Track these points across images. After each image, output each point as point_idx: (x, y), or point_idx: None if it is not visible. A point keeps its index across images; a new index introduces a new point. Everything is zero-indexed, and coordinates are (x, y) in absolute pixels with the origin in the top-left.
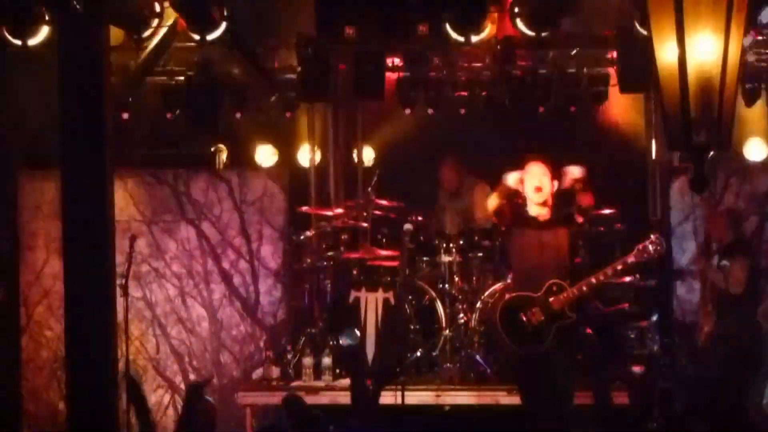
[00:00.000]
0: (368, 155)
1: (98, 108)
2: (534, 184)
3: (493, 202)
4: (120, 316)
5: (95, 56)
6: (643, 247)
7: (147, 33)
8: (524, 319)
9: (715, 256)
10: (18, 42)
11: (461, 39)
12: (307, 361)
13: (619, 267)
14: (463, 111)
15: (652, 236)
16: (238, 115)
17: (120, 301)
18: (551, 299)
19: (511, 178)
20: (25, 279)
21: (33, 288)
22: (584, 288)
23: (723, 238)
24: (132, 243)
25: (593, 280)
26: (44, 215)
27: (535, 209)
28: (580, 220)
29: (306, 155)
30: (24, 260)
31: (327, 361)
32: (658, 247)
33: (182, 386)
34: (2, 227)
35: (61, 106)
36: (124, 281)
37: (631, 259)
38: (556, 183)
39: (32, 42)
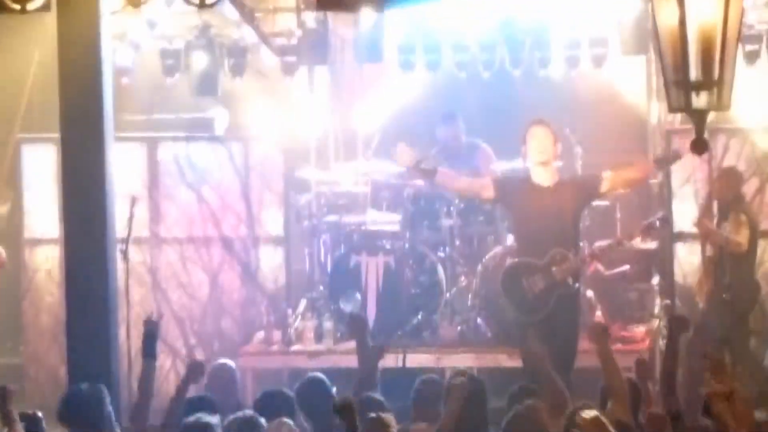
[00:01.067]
0: (368, 119)
1: (97, 73)
2: (537, 147)
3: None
4: (120, 281)
5: (93, 21)
6: (649, 224)
7: None
8: (526, 285)
9: (716, 216)
10: (17, 6)
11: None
12: (308, 325)
13: (625, 241)
14: (463, 74)
15: (660, 214)
16: (237, 80)
17: (120, 266)
18: (554, 268)
19: None
20: (26, 244)
21: (34, 253)
22: (588, 259)
23: (724, 197)
24: (132, 208)
25: (597, 252)
26: (44, 180)
27: (538, 171)
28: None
29: (306, 119)
30: (25, 225)
31: (328, 325)
32: (665, 227)
33: (183, 351)
34: (2, 192)
35: (60, 70)
36: (124, 246)
37: (637, 235)
38: (560, 146)
39: (31, 6)
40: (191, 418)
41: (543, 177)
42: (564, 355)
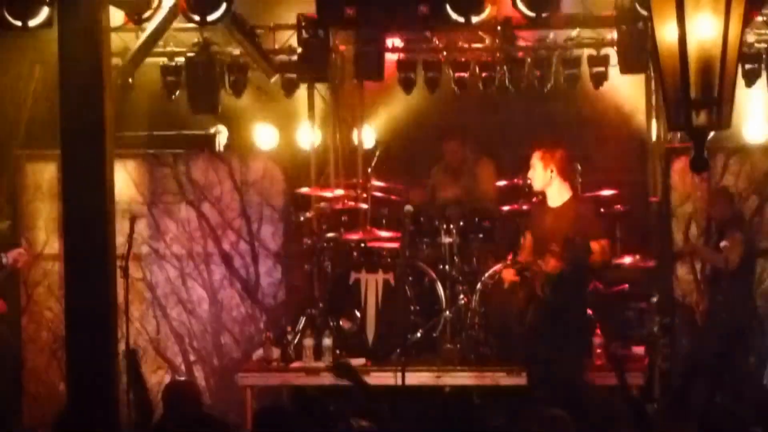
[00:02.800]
0: (368, 136)
1: (98, 89)
2: (531, 175)
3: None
4: (120, 298)
5: (95, 37)
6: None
7: (147, 14)
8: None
9: (714, 235)
10: (18, 23)
11: (461, 20)
12: (308, 342)
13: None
14: (463, 92)
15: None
16: (238, 96)
17: (120, 283)
18: (526, 274)
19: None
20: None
21: (33, 268)
22: (549, 259)
23: (719, 216)
24: (132, 224)
25: (554, 249)
26: (44, 196)
27: (545, 193)
28: None
29: (306, 136)
30: (24, 241)
31: (327, 342)
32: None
33: (182, 367)
34: (2, 208)
35: (61, 87)
36: (124, 262)
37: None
38: (551, 171)
39: (32, 23)
40: None
41: (550, 198)
42: (564, 366)
